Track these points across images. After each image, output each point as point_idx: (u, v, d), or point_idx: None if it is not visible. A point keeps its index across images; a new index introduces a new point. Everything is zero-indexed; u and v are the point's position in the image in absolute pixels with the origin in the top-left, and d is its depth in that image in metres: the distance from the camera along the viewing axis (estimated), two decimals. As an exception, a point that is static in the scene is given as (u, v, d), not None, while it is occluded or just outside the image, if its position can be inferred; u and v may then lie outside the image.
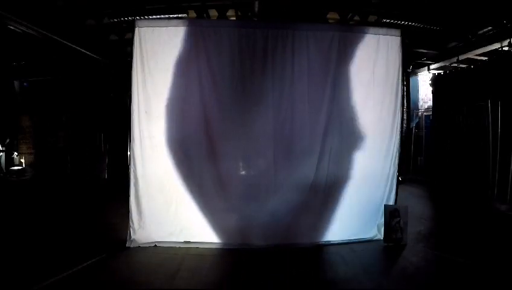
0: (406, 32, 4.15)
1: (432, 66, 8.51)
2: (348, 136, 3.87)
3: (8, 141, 8.26)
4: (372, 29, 3.98)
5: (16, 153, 8.47)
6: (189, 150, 3.70)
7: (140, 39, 3.63)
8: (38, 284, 2.73)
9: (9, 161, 8.31)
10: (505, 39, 5.83)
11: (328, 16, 5.60)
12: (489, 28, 5.89)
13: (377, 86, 3.90)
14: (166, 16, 5.15)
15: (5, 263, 3.15)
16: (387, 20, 5.40)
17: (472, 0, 5.02)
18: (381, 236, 3.87)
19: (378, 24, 5.46)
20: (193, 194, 3.70)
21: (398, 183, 4.05)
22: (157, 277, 2.96)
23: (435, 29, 5.91)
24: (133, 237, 3.64)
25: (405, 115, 5.52)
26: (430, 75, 8.46)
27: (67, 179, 7.81)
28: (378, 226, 3.94)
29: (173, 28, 3.68)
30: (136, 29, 3.64)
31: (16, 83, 8.69)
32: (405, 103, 6.34)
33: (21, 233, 4.03)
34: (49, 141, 8.50)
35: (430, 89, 8.28)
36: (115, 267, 3.13)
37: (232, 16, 5.66)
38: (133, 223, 3.65)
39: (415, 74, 9.21)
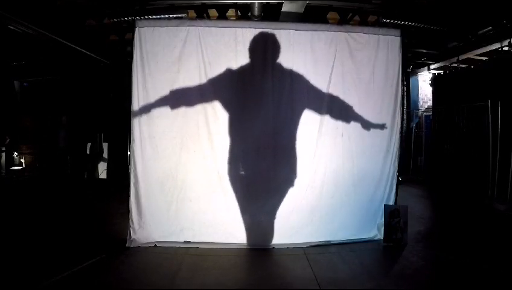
0: (406, 32, 4.15)
1: (432, 66, 8.52)
2: (348, 136, 3.86)
3: (8, 141, 8.26)
4: (372, 29, 3.97)
5: (16, 153, 8.48)
6: (189, 150, 3.71)
7: (140, 39, 3.64)
8: (38, 284, 2.73)
9: (9, 161, 8.31)
10: (505, 39, 5.84)
11: (328, 15, 5.60)
12: (489, 28, 5.89)
13: (377, 86, 3.90)
14: (166, 16, 5.15)
15: (4, 263, 3.15)
16: (387, 20, 5.39)
17: (472, 0, 5.02)
18: (381, 236, 3.87)
19: (378, 24, 5.46)
20: (193, 194, 3.71)
21: (398, 183, 4.05)
22: (157, 276, 2.96)
23: (435, 29, 5.90)
24: (133, 237, 3.65)
25: (405, 115, 5.51)
26: (430, 75, 8.47)
27: (67, 179, 7.81)
28: (378, 226, 3.95)
29: (173, 28, 3.68)
30: (136, 29, 3.65)
31: (16, 83, 8.69)
32: (405, 102, 6.33)
33: (21, 233, 4.03)
34: (49, 141, 8.49)
35: (430, 89, 8.30)
36: (115, 267, 3.13)
37: (232, 16, 5.65)
38: (133, 223, 3.66)
39: (415, 74, 9.22)
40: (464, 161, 6.55)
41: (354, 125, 3.86)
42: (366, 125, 3.86)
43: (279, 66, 3.73)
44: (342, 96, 3.83)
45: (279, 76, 3.74)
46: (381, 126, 3.89)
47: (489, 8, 5.12)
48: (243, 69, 3.71)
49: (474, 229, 4.46)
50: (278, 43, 3.72)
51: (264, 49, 3.72)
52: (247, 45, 3.70)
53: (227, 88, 3.70)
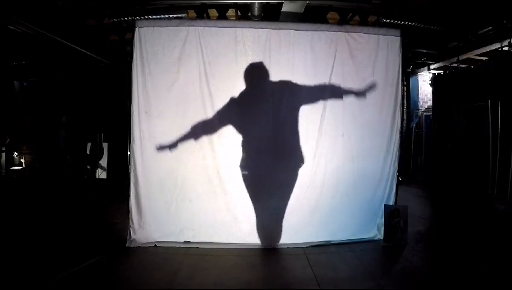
0: (406, 32, 4.14)
1: (432, 66, 8.50)
2: (348, 136, 3.87)
3: (8, 141, 8.25)
4: (372, 29, 3.98)
5: (16, 153, 8.46)
6: (190, 150, 3.71)
7: (140, 39, 3.64)
8: (38, 284, 2.73)
9: (9, 161, 8.30)
10: (505, 39, 5.83)
11: (328, 15, 5.59)
12: (489, 28, 5.89)
13: (377, 86, 3.90)
14: (166, 16, 5.14)
15: (5, 264, 3.15)
16: (387, 20, 5.38)
17: (472, 0, 5.02)
18: (381, 236, 3.87)
19: (378, 24, 5.46)
20: (193, 194, 3.72)
21: (398, 183, 4.05)
22: (157, 276, 2.96)
23: (435, 29, 5.90)
24: (133, 237, 3.65)
25: (405, 115, 5.52)
26: (430, 75, 8.47)
27: (67, 179, 7.81)
28: (378, 226, 3.95)
29: (173, 28, 3.69)
30: (136, 29, 3.65)
31: (16, 83, 8.68)
32: (405, 103, 6.33)
33: (21, 233, 4.03)
34: (49, 141, 8.49)
35: (430, 89, 8.29)
36: (115, 267, 3.14)
37: (232, 16, 5.65)
38: (133, 223, 3.67)
39: (415, 73, 9.22)
40: (463, 161, 6.55)
41: (354, 125, 3.86)
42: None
43: (280, 65, 3.73)
44: (342, 96, 3.83)
45: (279, 76, 3.74)
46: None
47: (489, 8, 5.12)
48: (243, 69, 3.71)
49: (474, 229, 4.46)
50: (278, 43, 3.73)
51: (265, 48, 3.72)
52: (247, 45, 3.71)
53: (227, 88, 3.70)
